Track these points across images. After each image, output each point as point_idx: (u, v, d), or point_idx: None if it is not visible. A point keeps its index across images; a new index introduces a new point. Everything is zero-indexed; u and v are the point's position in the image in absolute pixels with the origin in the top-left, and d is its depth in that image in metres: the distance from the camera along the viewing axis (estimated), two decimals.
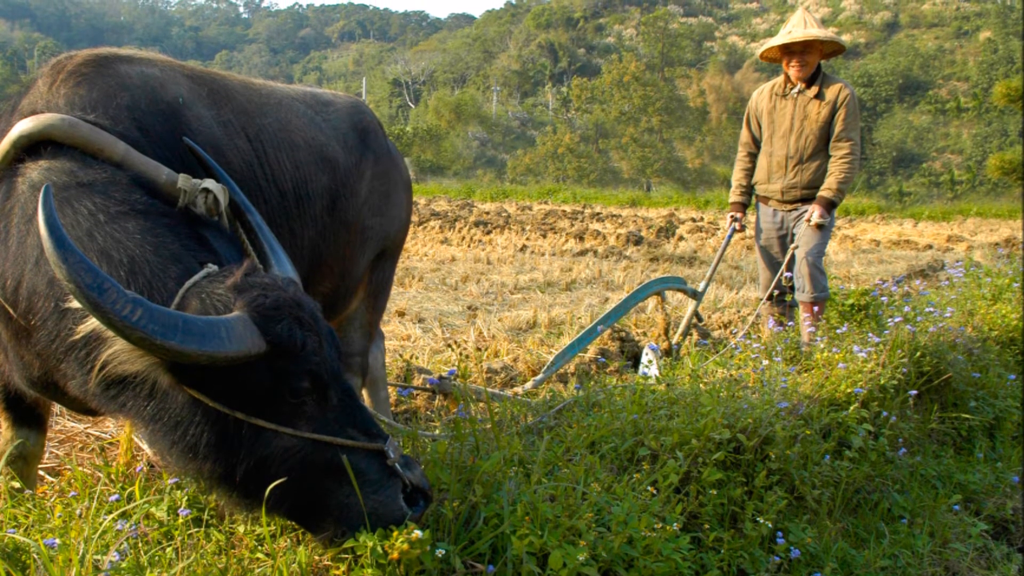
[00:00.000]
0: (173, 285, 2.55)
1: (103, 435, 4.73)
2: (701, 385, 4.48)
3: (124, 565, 2.57)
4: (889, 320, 5.73)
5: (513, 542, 2.68)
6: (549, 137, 66.27)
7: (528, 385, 6.05)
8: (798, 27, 6.56)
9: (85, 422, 4.88)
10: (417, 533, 2.47)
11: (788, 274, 6.68)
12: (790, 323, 6.53)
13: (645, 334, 8.15)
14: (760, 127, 6.98)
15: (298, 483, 2.51)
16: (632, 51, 79.10)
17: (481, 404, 5.23)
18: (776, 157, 6.80)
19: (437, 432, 4.36)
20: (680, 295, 9.12)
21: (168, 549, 2.78)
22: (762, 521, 3.48)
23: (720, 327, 9.03)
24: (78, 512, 2.96)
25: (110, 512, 2.87)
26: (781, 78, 6.82)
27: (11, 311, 2.77)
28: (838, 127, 6.54)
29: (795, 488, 3.90)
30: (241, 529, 2.92)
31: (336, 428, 2.55)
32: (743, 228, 7.28)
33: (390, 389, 5.42)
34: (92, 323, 2.38)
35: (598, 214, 26.68)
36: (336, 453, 2.52)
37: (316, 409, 2.54)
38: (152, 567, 2.67)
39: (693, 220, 25.32)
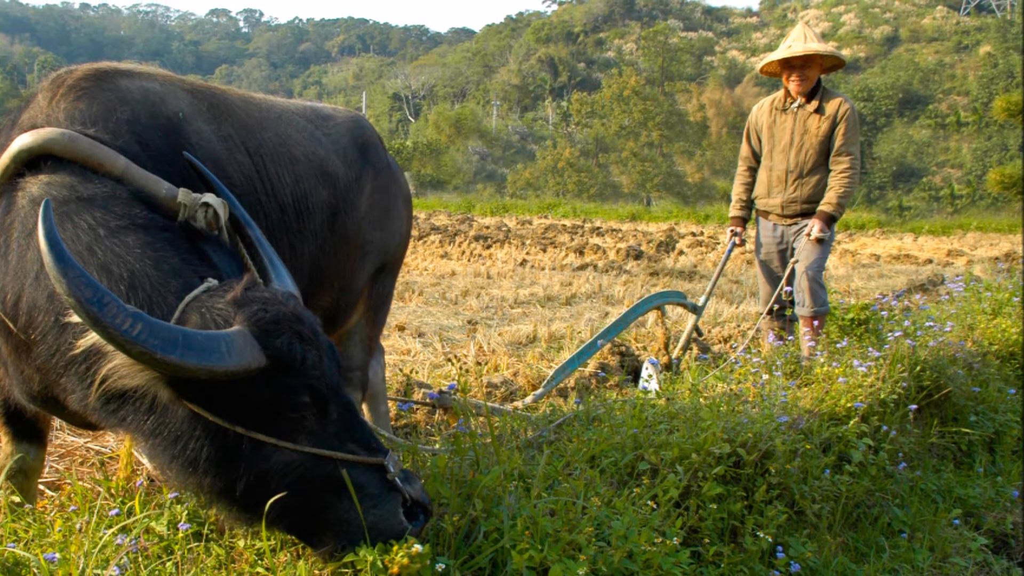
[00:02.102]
0: (173, 299, 2.55)
1: (103, 449, 4.72)
2: (701, 399, 4.48)
3: None
4: (889, 334, 5.73)
5: (513, 556, 2.68)
6: (549, 151, 66.26)
7: (528, 399, 6.04)
8: (798, 41, 6.58)
9: (85, 436, 4.88)
10: (417, 547, 2.46)
11: (788, 288, 6.68)
12: (790, 337, 6.53)
13: (645, 348, 8.15)
14: (760, 141, 7.00)
15: (298, 497, 2.51)
16: (632, 65, 79.27)
17: (481, 418, 5.23)
18: (776, 171, 6.81)
19: (437, 446, 4.35)
20: (680, 309, 9.13)
21: (168, 563, 2.77)
22: (762, 535, 3.47)
23: (720, 341, 9.03)
24: (78, 526, 2.96)
25: (110, 526, 2.87)
26: (781, 92, 6.84)
27: (11, 325, 2.77)
28: (838, 141, 6.55)
29: (795, 502, 3.90)
30: (241, 543, 2.92)
31: (336, 442, 2.55)
32: (743, 242, 7.29)
33: (390, 403, 5.41)
34: (92, 337, 2.38)
35: (598, 228, 26.70)
36: (336, 467, 2.52)
37: (316, 423, 2.53)
38: None
39: (693, 234, 25.34)
